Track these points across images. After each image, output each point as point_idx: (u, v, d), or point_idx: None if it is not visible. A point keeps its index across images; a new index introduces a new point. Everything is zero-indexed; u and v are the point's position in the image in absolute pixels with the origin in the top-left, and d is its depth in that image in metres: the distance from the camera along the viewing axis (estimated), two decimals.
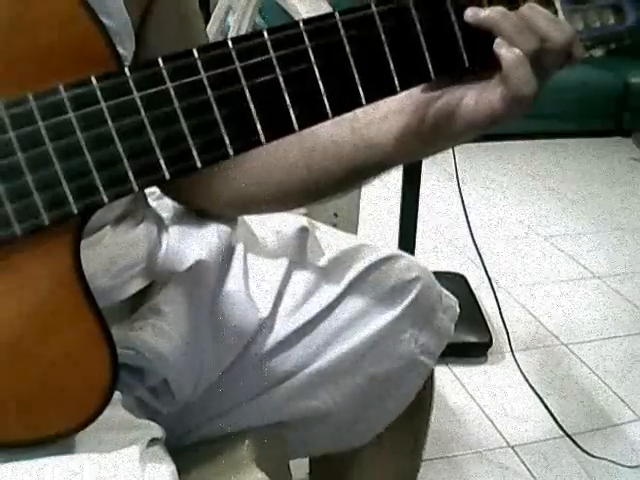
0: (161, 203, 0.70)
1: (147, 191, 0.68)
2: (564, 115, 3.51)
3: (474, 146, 3.07)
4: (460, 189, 1.46)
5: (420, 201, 1.54)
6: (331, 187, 0.63)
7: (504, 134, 3.14)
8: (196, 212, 0.69)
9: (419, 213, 1.55)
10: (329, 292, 0.68)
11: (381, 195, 2.37)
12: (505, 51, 0.46)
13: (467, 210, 1.48)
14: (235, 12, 1.52)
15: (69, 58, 0.40)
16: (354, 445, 0.76)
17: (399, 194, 1.53)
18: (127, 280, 0.58)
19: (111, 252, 0.56)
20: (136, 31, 0.57)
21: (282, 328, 0.66)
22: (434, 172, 2.41)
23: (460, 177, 1.45)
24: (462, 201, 1.48)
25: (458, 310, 0.77)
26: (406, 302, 0.70)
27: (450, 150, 1.44)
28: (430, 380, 0.78)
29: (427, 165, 1.49)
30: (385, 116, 0.54)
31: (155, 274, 0.62)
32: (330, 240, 0.73)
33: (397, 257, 0.72)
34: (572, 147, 3.46)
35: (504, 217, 2.56)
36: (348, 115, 0.49)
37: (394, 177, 1.63)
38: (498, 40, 0.47)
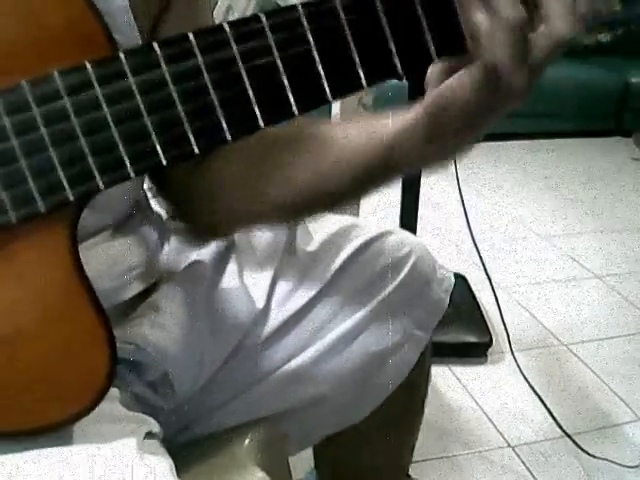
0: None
1: (149, 193, 0.68)
2: (564, 115, 3.51)
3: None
4: (460, 189, 1.46)
5: (420, 201, 1.54)
6: (340, 189, 0.57)
7: (504, 134, 3.13)
8: (195, 236, 0.65)
9: (419, 213, 1.55)
10: (321, 276, 0.68)
11: (381, 195, 2.37)
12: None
13: (467, 210, 1.48)
14: (235, 12, 1.52)
15: (64, 45, 0.40)
16: (352, 422, 0.76)
17: (399, 194, 1.53)
18: (128, 282, 0.58)
19: (113, 254, 0.56)
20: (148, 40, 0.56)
21: (276, 317, 0.67)
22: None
23: (460, 177, 1.45)
24: (462, 201, 1.48)
25: (453, 281, 0.76)
26: (399, 278, 0.69)
27: None
28: (425, 355, 0.77)
29: None
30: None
31: (156, 275, 0.62)
32: (319, 223, 0.72)
33: (388, 234, 0.71)
34: (572, 147, 3.46)
35: (504, 217, 2.56)
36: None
37: None
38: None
